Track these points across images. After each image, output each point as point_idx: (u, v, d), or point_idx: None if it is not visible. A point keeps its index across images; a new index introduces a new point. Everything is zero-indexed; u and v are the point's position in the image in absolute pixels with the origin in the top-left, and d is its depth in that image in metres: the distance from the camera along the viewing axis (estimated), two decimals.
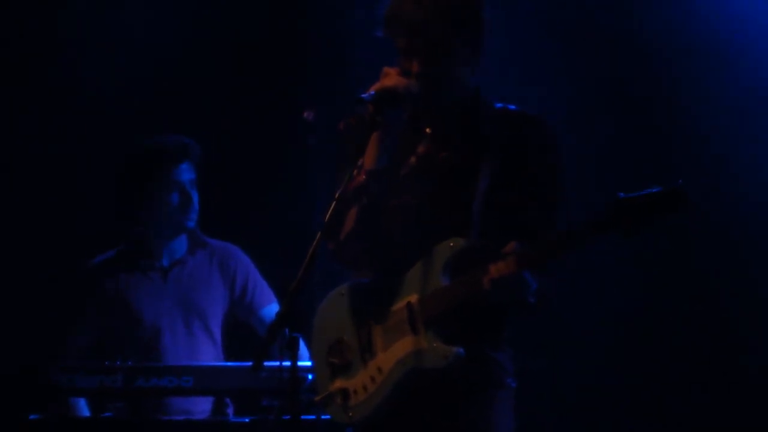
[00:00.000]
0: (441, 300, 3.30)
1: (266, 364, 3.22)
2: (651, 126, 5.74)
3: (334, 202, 3.23)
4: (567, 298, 5.06)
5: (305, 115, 4.50)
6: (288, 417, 3.33)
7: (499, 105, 3.51)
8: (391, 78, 3.36)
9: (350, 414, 3.42)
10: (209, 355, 4.88)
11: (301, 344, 3.31)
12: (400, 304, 3.38)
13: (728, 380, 5.60)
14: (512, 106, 3.51)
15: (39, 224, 5.93)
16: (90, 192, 5.87)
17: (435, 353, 3.29)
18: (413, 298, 3.35)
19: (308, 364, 3.93)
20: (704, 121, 5.65)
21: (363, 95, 3.34)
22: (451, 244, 3.33)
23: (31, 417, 4.23)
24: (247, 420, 4.25)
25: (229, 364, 4.44)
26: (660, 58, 5.69)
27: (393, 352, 3.37)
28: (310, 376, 4.03)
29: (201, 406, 4.68)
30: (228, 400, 4.61)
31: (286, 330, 3.23)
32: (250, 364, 3.43)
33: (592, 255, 5.41)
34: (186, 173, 4.92)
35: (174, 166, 4.89)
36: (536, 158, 3.41)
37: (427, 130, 3.49)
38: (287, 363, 3.32)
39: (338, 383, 3.46)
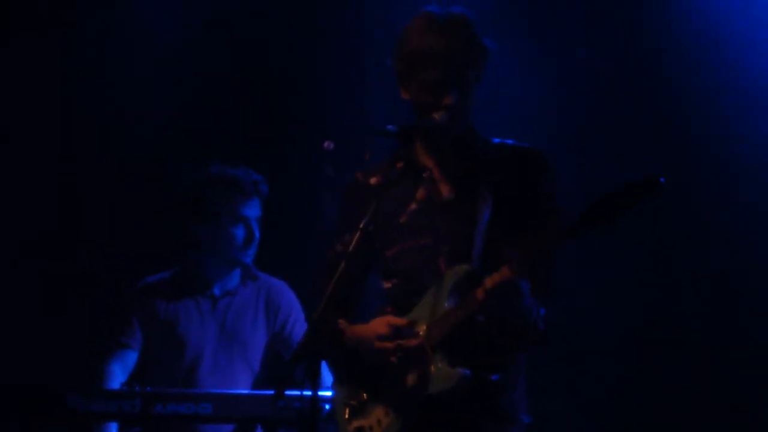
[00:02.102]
0: (445, 323, 3.31)
1: (288, 392, 3.22)
2: (655, 130, 5.77)
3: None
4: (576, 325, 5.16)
5: (325, 145, 4.51)
6: None
7: (497, 140, 3.54)
8: None
9: None
10: (246, 386, 4.85)
11: (325, 372, 3.32)
12: None
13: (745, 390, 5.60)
14: (509, 141, 3.55)
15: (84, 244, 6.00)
16: (112, 219, 5.93)
17: (441, 376, 3.29)
18: (421, 328, 3.36)
19: (329, 393, 3.93)
20: (711, 125, 5.68)
21: (388, 127, 3.36)
22: (455, 270, 3.36)
23: None
24: None
25: (248, 391, 4.42)
26: (663, 58, 5.73)
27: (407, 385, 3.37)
28: (327, 407, 4.03)
29: None
30: (259, 429, 4.60)
31: (308, 359, 3.24)
32: (269, 392, 3.44)
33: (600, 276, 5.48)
34: (254, 209, 4.93)
35: (245, 200, 4.89)
36: (534, 189, 3.45)
37: (425, 174, 3.51)
38: (308, 392, 3.35)
39: (355, 423, 3.46)
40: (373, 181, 3.55)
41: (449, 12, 3.43)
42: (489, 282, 3.20)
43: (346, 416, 3.48)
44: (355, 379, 3.49)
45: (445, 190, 3.49)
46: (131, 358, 4.87)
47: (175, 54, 6.03)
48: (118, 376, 4.79)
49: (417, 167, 3.50)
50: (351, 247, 3.26)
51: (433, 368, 3.30)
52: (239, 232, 4.90)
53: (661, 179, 3.02)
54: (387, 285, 3.54)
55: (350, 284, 3.55)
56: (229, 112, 6.08)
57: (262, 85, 6.12)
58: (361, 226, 3.27)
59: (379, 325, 3.38)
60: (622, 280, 5.69)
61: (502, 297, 3.21)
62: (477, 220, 3.39)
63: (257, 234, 4.93)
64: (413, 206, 3.50)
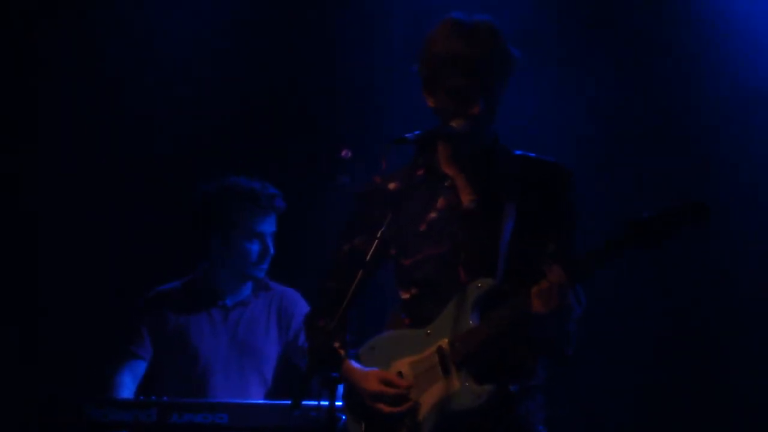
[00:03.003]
0: (471, 340, 3.29)
1: (304, 402, 3.20)
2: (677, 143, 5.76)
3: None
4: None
5: (343, 153, 4.49)
6: None
7: (519, 152, 3.52)
8: None
9: None
10: (258, 396, 4.86)
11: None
12: (430, 350, 3.37)
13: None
14: (532, 154, 3.52)
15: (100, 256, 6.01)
16: (146, 222, 5.96)
17: (467, 393, 3.27)
18: (443, 342, 3.34)
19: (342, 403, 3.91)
20: (740, 144, 5.67)
21: (407, 135, 3.34)
22: (479, 285, 3.33)
23: None
24: None
25: (264, 401, 4.42)
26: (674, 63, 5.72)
27: (426, 399, 3.34)
28: (344, 417, 4.02)
29: None
30: None
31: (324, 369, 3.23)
32: (286, 402, 3.42)
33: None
34: (270, 225, 4.93)
35: (261, 215, 4.90)
36: (557, 203, 3.43)
37: (446, 183, 3.48)
38: (325, 402, 3.33)
39: None
40: (391, 186, 3.52)
41: (476, 19, 3.40)
42: (543, 283, 3.19)
43: (363, 429, 3.45)
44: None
45: (466, 199, 3.47)
46: (141, 368, 4.88)
47: (189, 62, 6.05)
48: (128, 386, 4.80)
49: (438, 175, 3.49)
50: (368, 257, 3.25)
51: (457, 384, 3.29)
52: (254, 248, 4.89)
53: (707, 205, 3.06)
54: (405, 296, 3.50)
55: (359, 291, 3.51)
56: (244, 120, 6.09)
57: (276, 93, 6.12)
58: (378, 235, 3.26)
59: (371, 380, 3.37)
60: (640, 289, 5.68)
61: (554, 298, 3.18)
62: (499, 229, 3.37)
63: (272, 250, 4.92)
64: (433, 215, 3.47)
